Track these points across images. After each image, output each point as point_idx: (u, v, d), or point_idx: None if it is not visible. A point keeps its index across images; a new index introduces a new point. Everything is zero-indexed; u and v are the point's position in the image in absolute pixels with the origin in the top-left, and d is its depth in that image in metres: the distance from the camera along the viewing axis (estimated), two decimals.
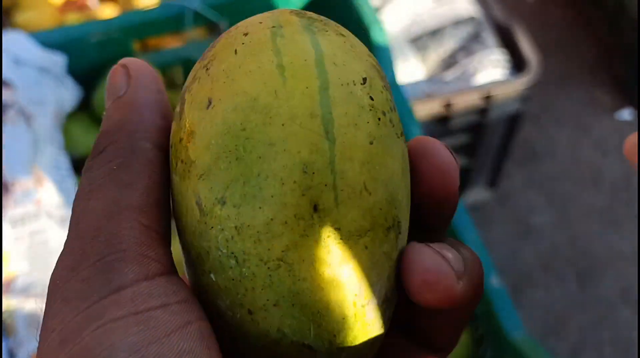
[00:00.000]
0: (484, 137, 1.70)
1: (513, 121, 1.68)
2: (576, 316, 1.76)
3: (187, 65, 1.25)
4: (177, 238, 0.31)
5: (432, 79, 1.60)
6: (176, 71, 1.24)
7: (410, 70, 1.60)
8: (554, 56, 2.23)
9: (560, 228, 1.89)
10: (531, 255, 1.85)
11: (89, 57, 1.15)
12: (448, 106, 1.57)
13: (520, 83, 1.56)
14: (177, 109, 0.30)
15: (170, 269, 0.29)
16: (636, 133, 0.59)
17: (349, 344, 0.29)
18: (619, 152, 1.98)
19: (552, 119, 2.10)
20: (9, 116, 1.00)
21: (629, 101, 2.09)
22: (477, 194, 1.87)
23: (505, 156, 1.80)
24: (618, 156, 1.99)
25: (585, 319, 1.75)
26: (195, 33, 1.18)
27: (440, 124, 1.60)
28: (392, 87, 1.11)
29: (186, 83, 0.31)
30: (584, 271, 1.83)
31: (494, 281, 0.93)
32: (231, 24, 1.20)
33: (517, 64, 1.63)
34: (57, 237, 0.94)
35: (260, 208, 0.27)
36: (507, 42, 1.66)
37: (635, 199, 1.91)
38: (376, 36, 1.12)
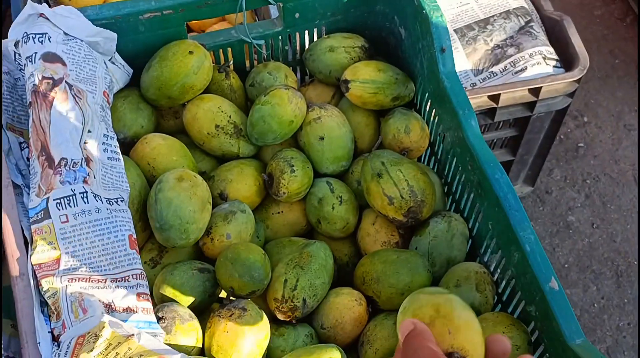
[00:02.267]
0: (528, 132, 1.65)
1: (558, 117, 1.64)
2: (613, 317, 1.72)
3: (236, 46, 1.21)
4: None
5: (479, 71, 1.56)
6: (225, 53, 1.21)
7: (457, 60, 1.56)
8: (598, 51, 2.18)
9: (599, 227, 1.85)
10: (569, 253, 1.82)
11: (140, 36, 1.12)
12: (495, 98, 1.53)
13: (570, 79, 1.52)
14: None
15: None
16: None
17: None
18: None
19: (594, 117, 2.05)
20: (57, 92, 0.97)
21: None
22: (517, 189, 1.83)
23: (547, 152, 1.76)
24: None
25: (622, 321, 1.72)
26: (242, 15, 1.15)
27: (486, 117, 1.56)
28: (452, 78, 1.07)
29: None
30: (622, 271, 1.79)
31: (553, 284, 0.90)
32: (285, 6, 1.17)
33: (566, 59, 1.58)
34: (104, 218, 0.91)
35: None
36: (557, 36, 1.62)
37: None
38: (436, 23, 1.08)
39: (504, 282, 1.02)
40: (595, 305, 1.74)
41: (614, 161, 1.96)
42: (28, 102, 0.99)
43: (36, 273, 0.89)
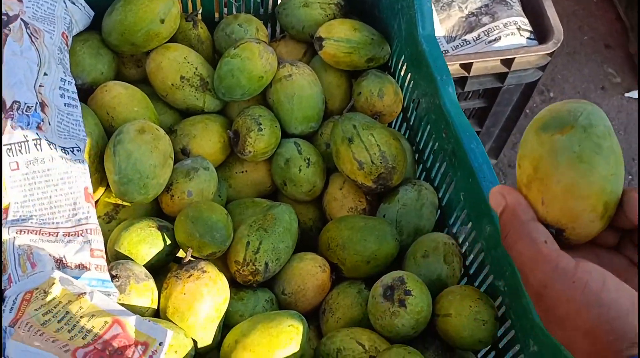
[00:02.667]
0: (497, 104, 1.63)
1: (527, 91, 1.62)
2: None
3: None
4: None
5: (452, 38, 1.53)
6: (193, 1, 1.15)
7: None
8: (567, 27, 2.16)
9: None
10: None
11: None
12: (466, 67, 1.49)
13: (544, 51, 1.49)
14: None
15: None
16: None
17: None
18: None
19: (560, 93, 2.04)
20: (12, 30, 0.90)
21: None
22: None
23: (513, 126, 1.74)
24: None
25: None
26: None
27: (456, 86, 1.53)
28: (431, 41, 1.03)
29: None
30: None
31: None
32: None
33: (540, 32, 1.55)
34: (58, 167, 0.85)
35: None
36: (532, 7, 1.59)
37: (635, 180, 1.87)
38: None
39: (472, 255, 1.00)
40: None
41: None
42: None
43: None
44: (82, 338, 0.74)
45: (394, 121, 1.19)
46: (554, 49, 1.49)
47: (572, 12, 2.20)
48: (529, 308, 0.85)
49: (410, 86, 1.11)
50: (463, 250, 1.02)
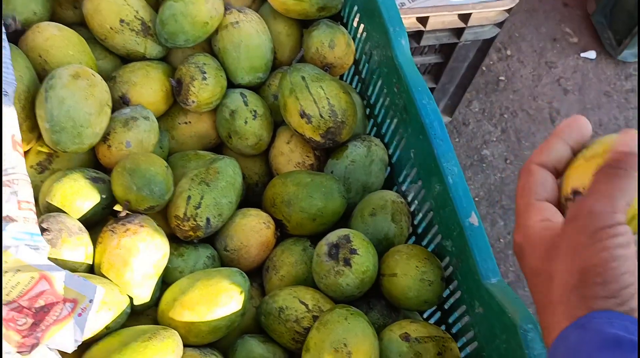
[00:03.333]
0: (453, 60, 1.60)
1: (484, 47, 1.59)
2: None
3: None
4: None
5: None
6: None
7: None
8: None
9: (512, 162, 1.84)
10: (480, 187, 1.80)
11: None
12: (423, 21, 1.46)
13: (501, 7, 1.46)
14: None
15: None
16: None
17: None
18: (580, 92, 1.92)
19: (517, 51, 2.02)
20: None
21: (596, 43, 2.03)
22: None
23: (468, 83, 1.71)
24: (578, 95, 1.93)
25: None
26: None
27: (412, 40, 1.49)
28: None
29: None
30: None
31: (473, 219, 0.85)
32: None
33: None
34: None
35: None
36: None
37: None
38: None
39: (420, 214, 0.97)
40: (502, 240, 1.74)
41: (532, 98, 1.94)
42: None
43: None
44: (6, 295, 0.69)
45: (346, 74, 1.15)
46: (512, 6, 1.46)
47: None
48: (475, 269, 0.83)
49: (363, 37, 1.07)
50: (412, 209, 0.99)
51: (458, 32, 1.50)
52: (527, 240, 0.55)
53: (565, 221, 0.52)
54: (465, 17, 1.46)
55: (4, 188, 0.78)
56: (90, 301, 0.71)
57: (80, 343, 0.69)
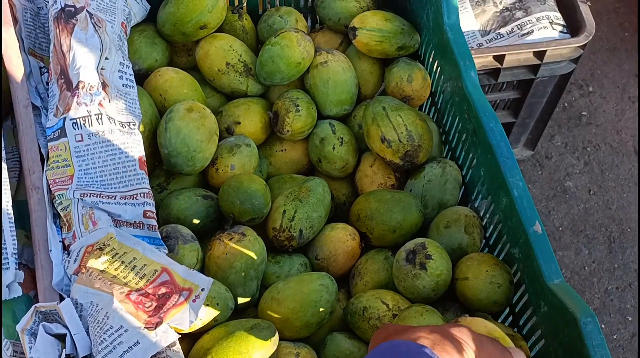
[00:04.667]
0: (531, 95, 1.69)
1: (561, 83, 1.68)
2: (602, 281, 1.77)
3: None
4: None
5: (487, 32, 1.60)
6: None
7: (466, 20, 1.59)
8: (608, 23, 2.21)
9: (595, 193, 1.90)
10: (563, 217, 1.86)
11: None
12: (499, 59, 1.56)
13: (575, 44, 1.55)
14: None
15: None
16: None
17: None
18: None
19: (599, 87, 2.09)
20: (79, 20, 1.02)
21: None
22: (517, 152, 1.88)
23: (548, 118, 1.79)
24: None
25: (611, 285, 1.77)
26: None
27: (490, 77, 1.60)
28: (455, 30, 1.11)
29: None
30: (615, 237, 1.84)
31: (537, 227, 0.95)
32: None
33: (573, 26, 1.61)
34: (117, 139, 0.97)
35: None
36: (565, 2, 1.65)
37: None
38: None
39: (491, 226, 1.07)
40: (586, 268, 1.79)
41: (616, 131, 2.00)
42: (50, 28, 1.04)
43: (50, 187, 0.95)
44: (135, 284, 0.85)
45: (423, 105, 1.27)
46: (586, 42, 1.55)
47: (613, 9, 2.24)
48: (540, 272, 0.93)
49: (438, 71, 1.19)
50: (484, 223, 1.10)
51: (534, 68, 1.59)
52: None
53: None
54: (540, 54, 1.56)
55: (133, 200, 0.95)
56: (203, 290, 0.85)
57: (194, 322, 0.83)
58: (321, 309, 0.97)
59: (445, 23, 1.12)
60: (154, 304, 0.83)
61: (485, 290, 0.99)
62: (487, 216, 1.08)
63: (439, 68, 1.19)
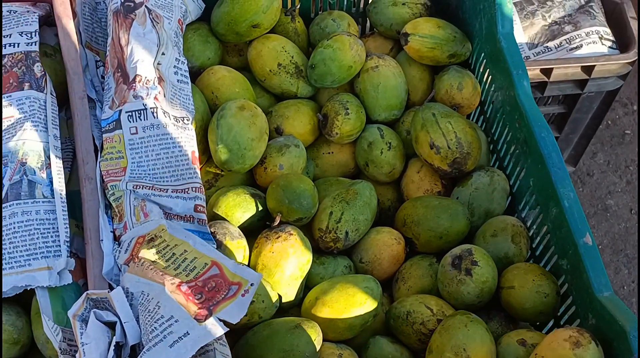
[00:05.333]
0: (577, 111, 1.68)
1: (608, 99, 1.66)
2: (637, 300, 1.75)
3: None
4: None
5: (534, 45, 1.59)
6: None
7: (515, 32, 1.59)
8: None
9: (636, 213, 1.87)
10: (604, 235, 1.84)
11: None
12: (547, 73, 1.56)
13: (624, 60, 1.54)
14: None
15: None
16: None
17: None
18: None
19: None
20: (137, 15, 1.04)
21: None
22: None
23: (592, 134, 1.78)
24: None
25: None
26: None
27: (536, 91, 1.59)
28: (509, 39, 1.11)
29: None
30: None
31: (588, 239, 0.94)
32: None
33: (622, 42, 1.60)
34: (171, 133, 0.98)
35: None
36: (616, 18, 1.64)
37: None
38: None
39: (538, 237, 1.07)
40: (625, 287, 1.77)
41: None
42: (109, 22, 1.05)
43: (104, 178, 0.96)
44: (186, 276, 0.85)
45: (472, 114, 1.27)
46: (635, 58, 1.54)
47: None
48: (589, 284, 0.92)
49: (489, 81, 1.19)
50: (530, 233, 1.09)
51: (581, 83, 1.58)
52: None
53: None
54: (588, 69, 1.55)
55: (185, 194, 0.96)
56: (252, 285, 0.85)
57: (243, 316, 0.83)
58: (365, 311, 0.97)
59: (499, 32, 1.12)
60: (204, 297, 0.83)
61: (531, 300, 0.98)
62: (535, 226, 1.08)
63: (489, 77, 1.19)
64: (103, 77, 1.08)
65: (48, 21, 1.13)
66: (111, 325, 0.82)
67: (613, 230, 1.85)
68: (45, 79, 1.01)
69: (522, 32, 1.61)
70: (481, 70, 1.21)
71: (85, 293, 0.83)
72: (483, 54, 1.20)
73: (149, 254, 0.87)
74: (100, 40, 1.13)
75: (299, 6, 1.27)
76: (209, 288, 0.85)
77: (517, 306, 0.99)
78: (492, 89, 1.17)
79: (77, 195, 0.98)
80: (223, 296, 0.84)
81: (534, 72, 1.54)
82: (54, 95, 1.01)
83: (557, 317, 1.01)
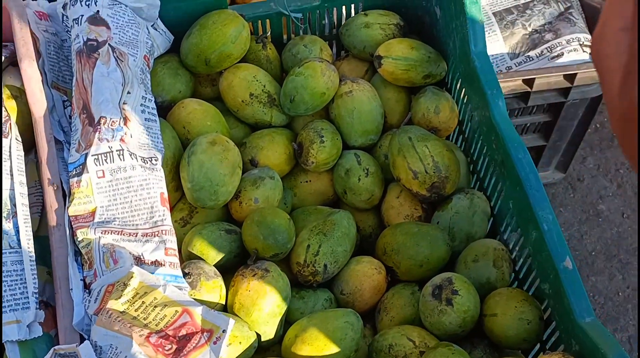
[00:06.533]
0: (562, 118, 1.66)
1: (593, 105, 1.64)
2: (637, 307, 1.73)
3: (274, 18, 1.24)
4: None
5: (516, 54, 1.57)
6: (263, 24, 1.25)
7: (494, 43, 1.57)
8: None
9: (629, 217, 1.85)
10: (597, 241, 1.82)
11: (182, 4, 1.16)
12: (529, 83, 1.53)
13: None
14: None
15: None
16: None
17: None
18: None
19: None
20: (101, 54, 1.02)
21: None
22: (548, 175, 1.84)
23: (580, 140, 1.76)
24: None
25: None
26: None
27: (520, 101, 1.57)
28: (482, 58, 1.09)
29: None
30: None
31: (568, 263, 0.92)
32: None
33: None
34: (138, 175, 0.96)
35: None
36: (596, 24, 1.61)
37: None
38: (470, 6, 1.09)
39: (521, 260, 1.05)
40: (620, 293, 1.75)
41: None
42: (72, 62, 1.03)
43: (72, 224, 0.94)
44: (156, 325, 0.83)
45: (451, 134, 1.25)
46: None
47: None
48: (570, 309, 0.90)
49: (465, 100, 1.17)
50: (513, 256, 1.07)
51: (565, 91, 1.56)
52: None
53: None
54: (571, 78, 1.53)
55: (154, 237, 0.94)
56: (224, 331, 0.83)
57: None
58: (346, 347, 0.95)
59: (472, 51, 1.10)
60: (174, 347, 0.81)
61: (514, 327, 0.96)
62: (517, 249, 1.06)
63: (466, 96, 1.17)
64: (70, 117, 1.06)
65: (14, 61, 1.11)
66: None
67: (605, 235, 1.83)
68: (10, 124, 0.99)
69: (503, 43, 1.59)
70: (457, 89, 1.19)
71: (52, 349, 0.81)
72: (458, 74, 1.18)
73: (117, 305, 0.85)
74: (68, 79, 1.11)
75: (269, 33, 1.25)
76: (179, 338, 0.83)
77: (500, 334, 0.97)
78: (469, 108, 1.15)
79: (48, 241, 0.97)
80: (194, 345, 0.82)
81: (516, 83, 1.52)
82: (19, 140, 0.99)
83: (542, 341, 0.99)
